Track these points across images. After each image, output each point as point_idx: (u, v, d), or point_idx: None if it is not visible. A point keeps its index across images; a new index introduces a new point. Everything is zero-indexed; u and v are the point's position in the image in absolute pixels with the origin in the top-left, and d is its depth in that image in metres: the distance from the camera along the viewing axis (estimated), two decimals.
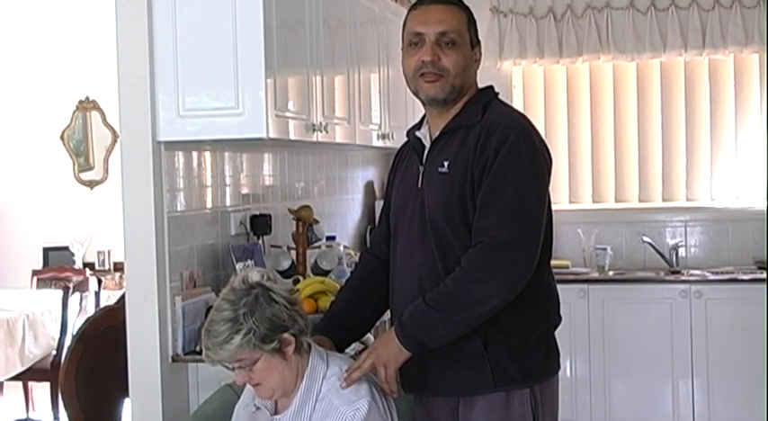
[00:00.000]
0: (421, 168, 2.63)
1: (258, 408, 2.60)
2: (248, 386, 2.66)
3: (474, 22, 2.67)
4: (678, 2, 5.91)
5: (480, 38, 2.72)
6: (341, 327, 2.73)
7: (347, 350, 2.83)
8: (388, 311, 2.81)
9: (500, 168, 2.46)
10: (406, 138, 2.82)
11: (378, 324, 2.97)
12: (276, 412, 2.58)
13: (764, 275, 5.42)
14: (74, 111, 8.12)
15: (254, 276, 2.49)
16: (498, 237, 2.43)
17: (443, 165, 2.56)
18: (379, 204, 5.83)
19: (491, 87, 2.70)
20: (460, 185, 2.52)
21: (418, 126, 2.73)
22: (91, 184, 8.11)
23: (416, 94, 2.65)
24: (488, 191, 2.47)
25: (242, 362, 2.43)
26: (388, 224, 2.77)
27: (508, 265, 2.43)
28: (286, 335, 2.44)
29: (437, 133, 2.64)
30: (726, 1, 5.84)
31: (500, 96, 2.71)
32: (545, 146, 2.59)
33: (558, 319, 2.68)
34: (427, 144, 2.65)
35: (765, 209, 5.64)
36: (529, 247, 2.46)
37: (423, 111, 2.77)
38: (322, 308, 3.71)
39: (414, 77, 2.61)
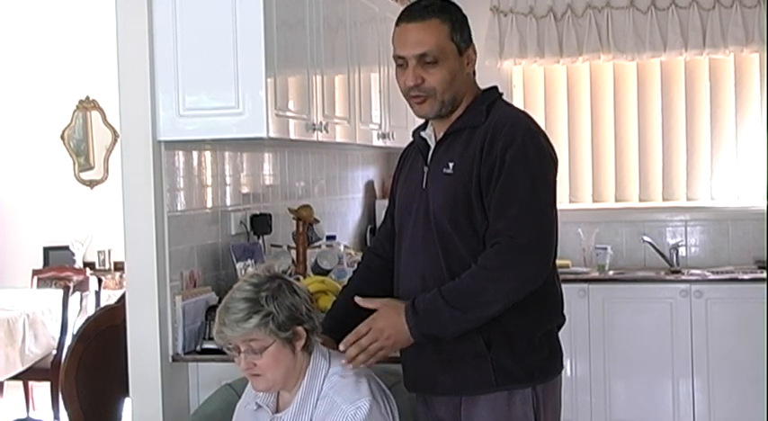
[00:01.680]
0: (426, 169, 2.64)
1: (259, 406, 2.60)
2: (249, 385, 2.67)
3: (460, 24, 2.60)
4: (678, 1, 5.90)
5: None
6: (343, 326, 2.72)
7: None
8: None
9: (510, 170, 2.47)
10: (407, 138, 2.82)
11: None
12: (277, 410, 2.58)
13: (764, 275, 5.42)
14: (74, 111, 8.12)
15: (279, 268, 2.51)
16: (517, 239, 2.44)
17: (448, 166, 2.57)
18: (379, 203, 5.84)
19: (495, 88, 2.70)
20: (465, 186, 2.52)
21: (423, 126, 2.74)
22: (91, 184, 8.11)
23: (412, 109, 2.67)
24: (501, 193, 2.47)
25: (252, 345, 2.43)
26: (392, 224, 2.77)
27: (525, 266, 2.45)
28: (300, 328, 2.47)
29: (441, 134, 2.64)
30: (726, 0, 5.84)
31: (504, 97, 2.71)
32: (551, 145, 2.60)
33: (561, 319, 2.68)
34: (432, 144, 2.66)
35: (766, 208, 5.62)
36: (544, 248, 2.48)
37: None
38: (322, 307, 3.70)
39: (406, 97, 2.64)
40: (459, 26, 2.60)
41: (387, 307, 2.56)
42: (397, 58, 2.61)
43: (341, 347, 2.51)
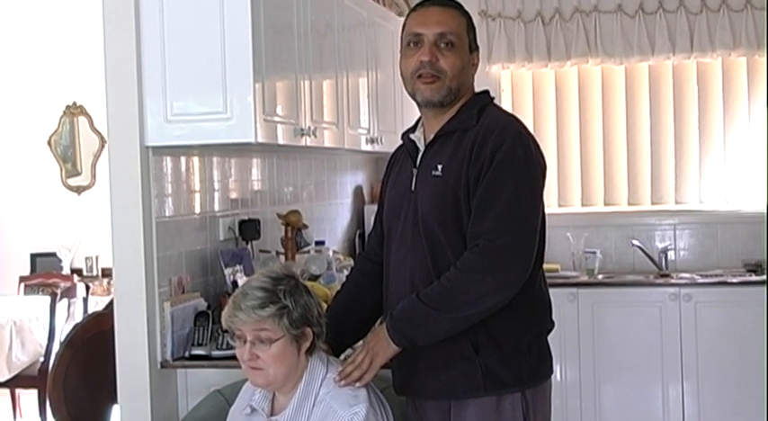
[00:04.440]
0: (415, 171, 2.64)
1: (254, 410, 2.60)
2: (243, 389, 2.67)
3: (473, 27, 2.68)
4: (666, 5, 5.93)
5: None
6: (337, 330, 2.73)
7: (341, 356, 2.83)
8: None
9: (496, 173, 2.48)
10: (395, 143, 2.83)
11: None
12: (272, 414, 2.58)
13: (753, 278, 5.44)
14: (61, 117, 8.10)
15: (297, 269, 2.55)
16: (495, 242, 2.44)
17: (437, 169, 2.57)
18: (368, 208, 5.84)
19: (486, 92, 2.71)
20: (454, 189, 2.53)
21: (413, 129, 2.74)
22: (78, 190, 8.10)
23: (413, 96, 2.66)
24: (484, 195, 2.48)
25: (261, 335, 2.44)
26: (382, 227, 2.78)
27: (503, 270, 2.45)
28: (309, 330, 2.49)
29: (431, 136, 2.65)
30: (713, 4, 5.87)
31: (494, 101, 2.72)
32: (540, 151, 2.61)
33: (550, 324, 2.68)
34: (421, 147, 2.67)
35: (765, 211, 5.61)
36: (524, 253, 2.48)
37: (413, 116, 2.78)
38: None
39: (411, 78, 2.62)
40: (472, 27, 2.68)
41: (373, 331, 2.62)
42: (412, 35, 2.61)
43: (336, 378, 2.51)
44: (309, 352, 2.52)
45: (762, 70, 5.86)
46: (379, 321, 2.83)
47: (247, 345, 2.46)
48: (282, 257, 4.25)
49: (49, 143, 8.11)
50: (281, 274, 2.52)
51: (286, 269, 2.56)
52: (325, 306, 2.79)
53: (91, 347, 3.71)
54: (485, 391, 2.53)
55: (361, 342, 3.08)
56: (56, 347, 5.57)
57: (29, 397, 6.22)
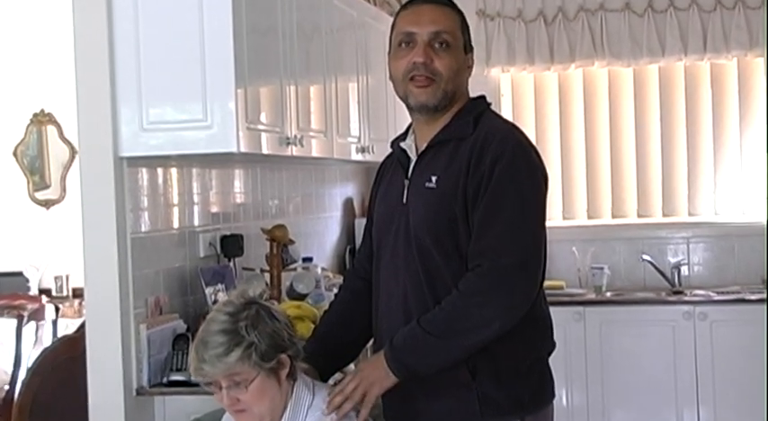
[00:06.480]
0: (406, 182, 2.64)
1: None
2: (224, 419, 2.66)
3: (467, 26, 2.68)
4: (677, 3, 5.96)
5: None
6: (325, 353, 2.72)
7: (329, 381, 2.83)
8: None
9: (497, 187, 2.47)
10: (387, 152, 2.82)
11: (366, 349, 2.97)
12: None
13: None
14: (28, 126, 8.08)
15: (254, 292, 2.52)
16: (499, 261, 2.44)
17: (431, 180, 2.57)
18: (358, 222, 5.85)
19: (483, 97, 2.71)
20: (450, 203, 2.52)
21: (403, 136, 2.74)
22: (47, 204, 8.07)
23: (405, 100, 2.65)
24: (486, 211, 2.47)
25: (235, 380, 2.42)
26: (371, 242, 2.77)
27: (509, 290, 2.45)
28: (284, 356, 2.46)
29: (424, 145, 2.64)
30: (728, 2, 5.90)
31: (491, 107, 2.73)
32: (541, 161, 2.61)
33: (551, 346, 2.68)
34: (413, 156, 2.66)
35: (766, 223, 5.64)
36: (530, 271, 2.48)
37: (406, 122, 2.78)
38: (299, 334, 3.70)
39: (403, 81, 2.61)
40: (466, 26, 2.67)
41: (367, 360, 2.59)
42: (404, 34, 2.60)
43: (324, 408, 2.50)
44: (291, 376, 2.51)
45: None
46: (370, 344, 2.83)
47: (224, 391, 2.45)
48: (267, 275, 4.25)
49: (14, 154, 8.09)
50: (239, 305, 2.46)
51: (243, 296, 2.49)
52: (312, 326, 2.78)
53: (61, 374, 3.70)
54: (481, 418, 2.53)
55: (351, 365, 3.09)
56: (22, 374, 5.55)
57: None
